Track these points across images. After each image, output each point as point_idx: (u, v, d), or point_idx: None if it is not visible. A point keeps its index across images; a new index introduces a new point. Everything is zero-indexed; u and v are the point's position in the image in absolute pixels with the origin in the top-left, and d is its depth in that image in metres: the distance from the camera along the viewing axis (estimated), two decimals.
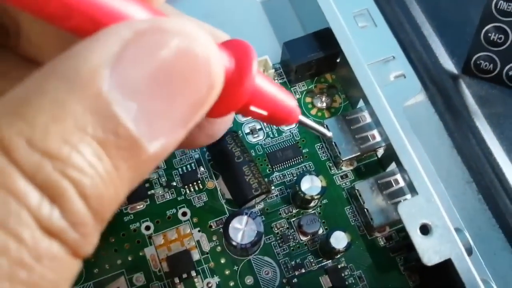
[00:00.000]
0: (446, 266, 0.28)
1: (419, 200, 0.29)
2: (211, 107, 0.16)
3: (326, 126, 0.34)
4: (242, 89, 0.18)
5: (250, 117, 0.25)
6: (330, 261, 0.32)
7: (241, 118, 0.36)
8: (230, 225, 0.30)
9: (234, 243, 0.30)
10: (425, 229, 0.28)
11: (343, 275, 0.32)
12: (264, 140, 0.36)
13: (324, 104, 0.37)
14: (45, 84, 0.12)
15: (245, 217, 0.30)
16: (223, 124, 0.22)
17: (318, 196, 0.31)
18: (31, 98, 0.12)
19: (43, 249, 0.12)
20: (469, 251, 0.30)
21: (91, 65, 0.12)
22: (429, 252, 0.28)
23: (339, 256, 0.32)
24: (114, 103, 0.12)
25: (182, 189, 0.33)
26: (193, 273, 0.31)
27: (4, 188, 0.11)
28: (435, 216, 0.28)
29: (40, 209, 0.12)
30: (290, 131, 0.36)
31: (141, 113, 0.13)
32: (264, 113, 0.21)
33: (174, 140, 0.14)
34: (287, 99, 0.22)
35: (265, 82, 0.20)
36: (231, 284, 0.32)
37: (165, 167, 0.35)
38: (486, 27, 0.37)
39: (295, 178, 0.34)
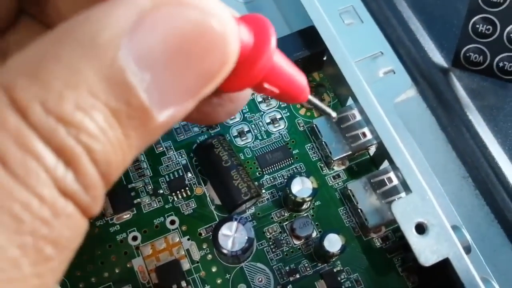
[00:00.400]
0: (445, 266, 0.27)
1: (413, 198, 0.28)
2: (228, 81, 0.16)
3: (316, 126, 0.33)
4: (259, 65, 0.17)
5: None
6: (325, 265, 0.31)
7: (228, 121, 0.35)
8: (219, 232, 0.29)
9: (224, 251, 0.29)
10: (420, 228, 0.27)
11: (339, 279, 0.31)
12: (253, 142, 0.34)
13: None
14: (61, 48, 0.12)
15: (234, 223, 0.29)
16: (241, 101, 0.23)
17: (310, 198, 0.30)
18: (47, 62, 0.12)
19: (61, 208, 0.12)
20: (468, 249, 0.29)
21: (108, 34, 0.12)
22: (426, 252, 0.27)
23: (334, 259, 0.31)
24: (129, 73, 0.13)
25: (169, 197, 0.32)
26: (184, 284, 0.30)
27: (24, 149, 0.11)
28: (431, 215, 0.27)
29: (56, 171, 0.12)
30: (279, 132, 0.35)
31: (154, 84, 0.13)
32: (276, 90, 0.20)
33: (183, 110, 0.14)
34: (300, 78, 0.21)
35: (282, 59, 0.20)
36: None
37: (151, 174, 0.34)
38: (474, 19, 0.36)
39: (286, 180, 0.33)
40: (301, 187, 0.31)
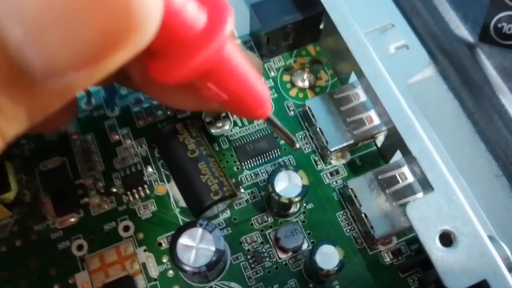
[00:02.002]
0: None
1: (436, 199, 0.21)
2: (162, 67, 0.15)
3: (309, 109, 0.26)
4: (205, 53, 0.15)
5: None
6: (319, 286, 0.24)
7: None
8: (179, 242, 0.22)
9: (185, 267, 0.22)
10: (446, 239, 0.20)
11: None
12: (231, 130, 0.28)
13: (307, 83, 0.29)
14: None
15: (199, 231, 0.22)
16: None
17: (299, 198, 0.23)
18: None
19: None
20: (510, 267, 0.22)
21: None
22: (455, 271, 0.20)
23: (330, 279, 0.24)
24: None
25: (124, 197, 0.27)
26: None
27: None
28: (460, 220, 0.20)
29: None
30: None
31: (30, 41, 0.12)
32: (225, 96, 0.18)
33: (82, 80, 0.13)
34: (260, 86, 0.19)
35: (238, 55, 0.17)
36: None
37: (103, 168, 0.27)
38: None
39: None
40: (287, 184, 0.24)
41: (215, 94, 0.18)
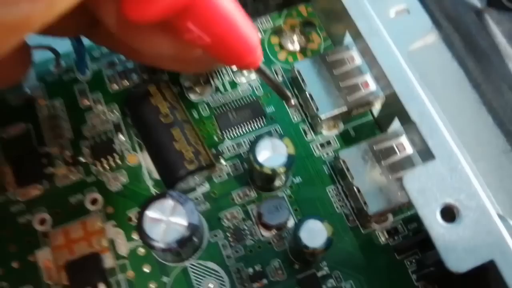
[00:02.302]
0: (485, 273, 0.18)
1: (437, 168, 0.18)
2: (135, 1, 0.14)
3: (298, 72, 0.24)
4: None
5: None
6: (306, 267, 0.22)
7: None
8: (146, 215, 0.20)
9: (152, 243, 0.19)
10: (449, 214, 0.18)
11: None
12: (212, 96, 0.25)
13: (297, 46, 0.26)
14: None
15: (169, 203, 0.20)
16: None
17: (284, 169, 0.21)
18: None
19: None
20: None
21: None
22: (458, 250, 0.17)
23: (317, 259, 0.21)
24: None
25: (93, 167, 0.24)
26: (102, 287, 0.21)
27: None
28: (465, 192, 0.18)
29: None
30: (249, 84, 0.25)
31: None
32: (207, 39, 0.16)
33: (39, 9, 0.12)
34: (248, 29, 0.17)
35: None
36: None
37: (72, 136, 0.25)
38: None
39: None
40: (271, 153, 0.21)
41: (196, 37, 0.16)
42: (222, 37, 0.16)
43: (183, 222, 0.20)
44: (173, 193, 0.20)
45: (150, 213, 0.20)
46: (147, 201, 0.20)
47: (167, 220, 0.20)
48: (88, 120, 0.25)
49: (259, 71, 0.20)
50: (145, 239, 0.20)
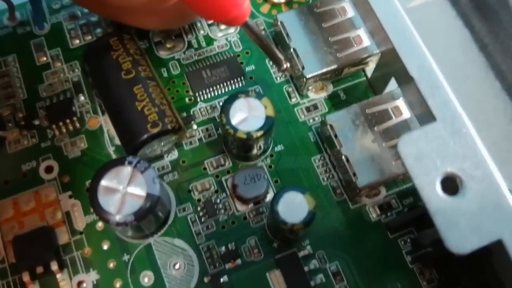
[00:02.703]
0: (490, 255, 0.15)
1: (438, 131, 0.16)
2: None
3: (282, 24, 0.21)
4: None
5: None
6: (287, 246, 0.19)
7: None
8: (101, 184, 0.17)
9: (107, 216, 0.17)
10: (451, 185, 0.15)
11: (306, 269, 0.19)
12: (184, 52, 0.22)
13: None
14: None
15: (127, 170, 0.17)
16: None
17: (261, 133, 0.18)
18: None
19: None
20: None
21: None
22: (460, 227, 0.15)
23: (299, 237, 0.19)
24: None
25: (48, 131, 0.22)
26: (55, 266, 0.19)
27: None
28: (470, 160, 0.15)
29: None
30: (225, 38, 0.22)
31: None
32: None
33: None
34: None
35: None
36: (117, 285, 0.19)
37: (25, 96, 0.22)
38: None
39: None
40: (247, 114, 0.18)
41: None
42: None
43: (141, 192, 0.17)
44: (132, 159, 0.17)
45: (105, 182, 0.17)
46: (101, 168, 0.17)
47: (123, 190, 0.17)
48: (45, 78, 0.22)
49: (245, 27, 0.17)
50: (99, 212, 0.17)
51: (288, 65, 0.19)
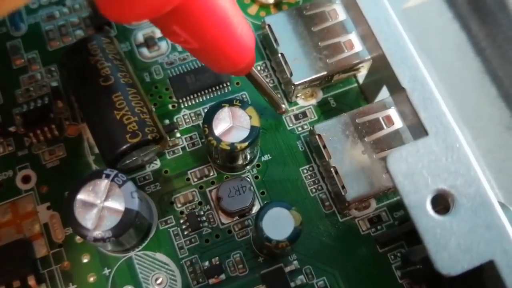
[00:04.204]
0: (481, 272, 0.14)
1: (430, 146, 0.15)
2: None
3: (269, 27, 0.20)
4: None
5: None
6: (273, 261, 0.18)
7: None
8: (77, 198, 0.16)
9: (83, 231, 0.16)
10: (442, 203, 0.15)
11: (293, 285, 0.18)
12: (168, 56, 0.21)
13: None
14: None
15: (104, 184, 0.16)
16: None
17: (245, 144, 0.17)
18: None
19: None
20: None
21: None
22: (451, 248, 0.14)
23: (284, 252, 0.18)
24: None
25: (25, 138, 0.21)
26: (32, 280, 0.19)
27: None
28: (463, 177, 0.14)
29: None
30: None
31: None
32: (195, 44, 0.14)
33: None
34: (244, 30, 0.15)
35: None
36: None
37: (1, 101, 0.21)
38: None
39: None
40: (230, 123, 0.17)
41: (183, 41, 0.14)
42: (212, 42, 0.14)
43: (120, 207, 0.16)
44: (109, 172, 0.16)
45: (82, 195, 0.16)
46: (77, 182, 0.17)
47: (101, 205, 0.16)
48: (22, 83, 0.21)
49: (249, 75, 0.17)
50: (75, 227, 0.16)
51: (286, 108, 0.20)
